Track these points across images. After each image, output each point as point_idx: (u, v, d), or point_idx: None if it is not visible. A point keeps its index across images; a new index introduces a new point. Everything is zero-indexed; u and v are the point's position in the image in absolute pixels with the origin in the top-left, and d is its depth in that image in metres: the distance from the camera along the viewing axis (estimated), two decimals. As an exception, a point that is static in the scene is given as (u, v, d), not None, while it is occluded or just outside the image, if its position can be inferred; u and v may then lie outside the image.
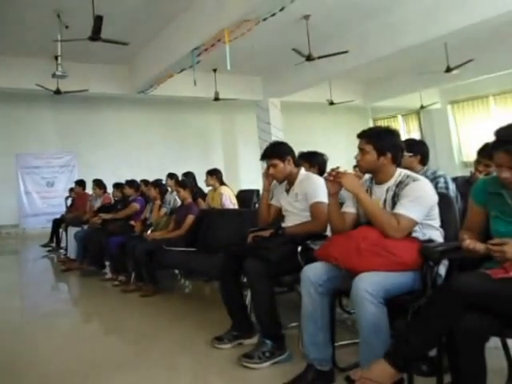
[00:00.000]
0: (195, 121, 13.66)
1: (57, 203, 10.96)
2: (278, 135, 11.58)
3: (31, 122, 11.46)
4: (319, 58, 7.77)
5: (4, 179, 11.20)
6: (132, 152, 12.36)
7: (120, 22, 7.26)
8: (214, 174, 5.47)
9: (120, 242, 5.05)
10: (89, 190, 7.82)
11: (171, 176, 6.45)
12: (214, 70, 10.39)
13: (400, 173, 2.38)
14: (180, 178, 6.14)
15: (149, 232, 4.95)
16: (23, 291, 5.79)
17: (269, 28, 6.99)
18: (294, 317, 2.82)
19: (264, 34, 7.47)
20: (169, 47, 8.08)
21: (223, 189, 5.29)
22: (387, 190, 2.36)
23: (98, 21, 5.92)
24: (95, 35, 6.12)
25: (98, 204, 6.84)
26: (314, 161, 3.73)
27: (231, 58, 6.81)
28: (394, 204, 2.29)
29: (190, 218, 4.54)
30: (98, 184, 7.09)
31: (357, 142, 2.46)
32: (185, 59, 7.82)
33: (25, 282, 6.48)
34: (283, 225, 3.04)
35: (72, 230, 6.62)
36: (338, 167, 2.43)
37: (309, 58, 7.77)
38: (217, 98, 10.46)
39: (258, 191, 7.27)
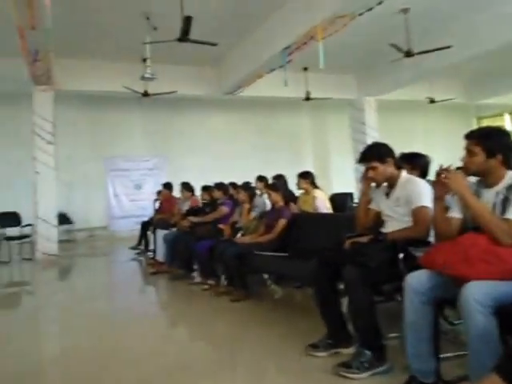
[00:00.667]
0: (284, 122, 13.99)
1: (144, 206, 11.90)
2: (373, 135, 11.49)
3: (120, 125, 12.53)
4: (419, 53, 7.64)
5: (94, 182, 12.31)
6: (219, 154, 12.98)
7: (208, 22, 7.64)
8: (307, 176, 5.56)
9: (209, 246, 5.33)
10: (176, 192, 8.33)
11: (261, 179, 6.67)
12: (305, 69, 10.57)
13: (511, 175, 2.35)
14: (270, 181, 6.34)
15: (238, 236, 5.18)
16: (113, 293, 6.29)
17: (363, 23, 7.01)
18: (394, 327, 2.86)
19: (358, 29, 7.49)
20: (258, 47, 8.38)
21: (316, 192, 5.37)
22: (497, 194, 2.34)
23: (187, 22, 6.29)
24: (184, 36, 6.49)
25: (185, 207, 7.26)
26: (416, 163, 3.70)
27: (323, 55, 6.91)
28: (504, 208, 2.28)
29: (282, 222, 4.69)
30: (186, 187, 7.52)
31: (459, 142, 2.46)
32: (275, 59, 8.06)
33: (115, 284, 7.07)
34: (383, 230, 3.09)
35: (160, 233, 7.08)
36: (449, 166, 2.45)
37: (408, 54, 7.67)
38: (308, 98, 10.62)
39: (351, 194, 7.31)
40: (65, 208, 11.20)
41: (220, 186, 6.37)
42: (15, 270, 8.15)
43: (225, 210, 6.04)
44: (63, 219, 10.93)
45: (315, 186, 5.54)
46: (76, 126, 12.03)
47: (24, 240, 8.85)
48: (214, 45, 6.91)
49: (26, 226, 9.03)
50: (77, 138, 12.06)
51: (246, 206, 5.63)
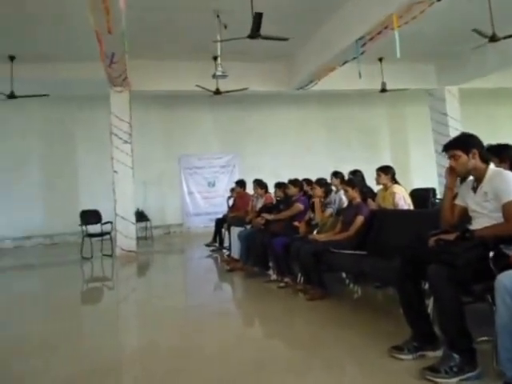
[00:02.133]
0: (359, 115, 13.79)
1: (218, 203, 12.23)
2: (456, 127, 11.02)
3: (192, 123, 12.97)
4: (505, 38, 7.21)
5: (168, 180, 12.85)
6: (291, 150, 13.06)
7: (278, 17, 7.64)
8: (388, 171, 5.40)
9: (284, 243, 5.37)
10: (249, 190, 8.46)
11: (336, 174, 6.60)
12: (380, 60, 10.32)
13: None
14: (346, 177, 6.27)
15: (314, 233, 5.18)
16: (190, 290, 6.53)
17: (441, 8, 6.71)
18: (485, 330, 2.75)
19: (436, 15, 7.19)
20: (330, 40, 8.30)
21: (396, 188, 5.22)
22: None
23: (258, 18, 6.33)
24: (255, 33, 6.54)
25: (259, 204, 7.35)
26: (505, 155, 3.54)
27: (399, 44, 6.71)
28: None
29: (360, 219, 4.65)
30: (259, 184, 7.62)
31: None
32: (348, 51, 7.94)
33: (191, 280, 7.31)
34: (470, 227, 2.97)
35: (235, 230, 7.24)
36: None
37: (493, 39, 7.26)
38: (384, 90, 10.36)
39: (433, 190, 7.07)
40: (142, 206, 11.71)
41: (294, 182, 6.37)
42: (96, 266, 8.62)
43: (300, 206, 6.05)
44: (140, 217, 11.45)
45: (395, 182, 5.39)
46: (150, 125, 12.59)
47: (104, 237, 9.31)
48: (285, 40, 6.91)
49: (106, 223, 9.47)
50: (151, 137, 12.63)
51: (317, 200, 5.60)
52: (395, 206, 5.02)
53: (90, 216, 9.57)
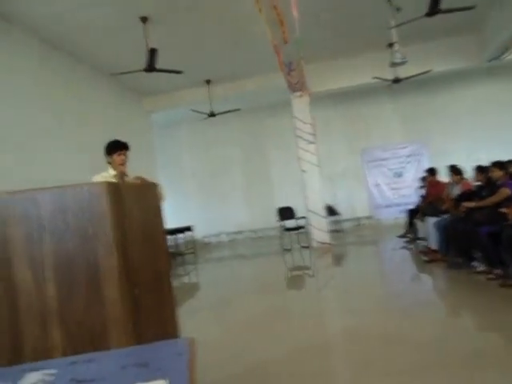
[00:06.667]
0: None
1: (407, 193, 11.61)
2: None
3: (372, 116, 12.47)
4: None
5: (353, 174, 12.62)
6: (488, 131, 11.52)
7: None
8: None
9: (490, 232, 4.76)
10: (441, 177, 7.71)
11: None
12: None
13: None
14: None
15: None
16: (388, 280, 6.27)
17: None
18: None
19: None
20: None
21: None
22: None
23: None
24: (434, 9, 5.93)
25: (456, 191, 6.58)
26: None
27: None
28: None
29: None
30: (454, 170, 6.84)
31: None
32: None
33: (388, 271, 6.99)
34: None
35: (431, 220, 6.62)
36: None
37: None
38: None
39: None
40: (331, 201, 11.67)
41: (499, 164, 5.45)
42: (296, 256, 8.96)
43: (507, 191, 5.17)
44: (331, 211, 11.48)
45: None
46: (331, 123, 12.53)
47: (300, 231, 9.62)
48: (470, 8, 6.09)
49: (300, 218, 9.81)
50: (334, 134, 12.57)
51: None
52: None
53: (286, 212, 10.11)
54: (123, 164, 3.59)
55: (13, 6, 5.98)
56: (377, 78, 8.91)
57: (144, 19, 6.85)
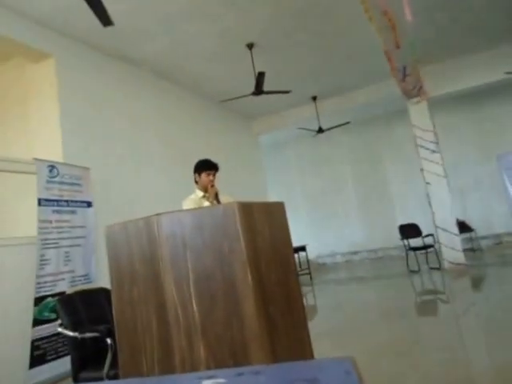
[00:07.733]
0: None
1: None
2: None
3: (507, 116, 11.23)
4: None
5: (488, 184, 11.36)
6: None
7: None
8: None
9: None
10: None
11: None
12: None
13: None
14: None
15: None
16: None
17: None
18: None
19: None
20: None
21: None
22: None
23: None
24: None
25: None
26: None
27: None
28: None
29: None
30: None
31: None
32: None
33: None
34: None
35: None
36: None
37: None
38: None
39: None
40: (461, 215, 10.79)
41: None
42: (426, 279, 8.31)
43: None
44: (462, 227, 10.50)
45: None
46: (457, 128, 11.65)
47: (428, 250, 8.99)
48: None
49: (427, 236, 9.14)
50: (461, 140, 11.64)
51: None
52: None
53: (409, 230, 9.53)
54: (212, 185, 3.59)
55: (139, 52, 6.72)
56: (510, 73, 8.16)
57: (250, 45, 7.14)
